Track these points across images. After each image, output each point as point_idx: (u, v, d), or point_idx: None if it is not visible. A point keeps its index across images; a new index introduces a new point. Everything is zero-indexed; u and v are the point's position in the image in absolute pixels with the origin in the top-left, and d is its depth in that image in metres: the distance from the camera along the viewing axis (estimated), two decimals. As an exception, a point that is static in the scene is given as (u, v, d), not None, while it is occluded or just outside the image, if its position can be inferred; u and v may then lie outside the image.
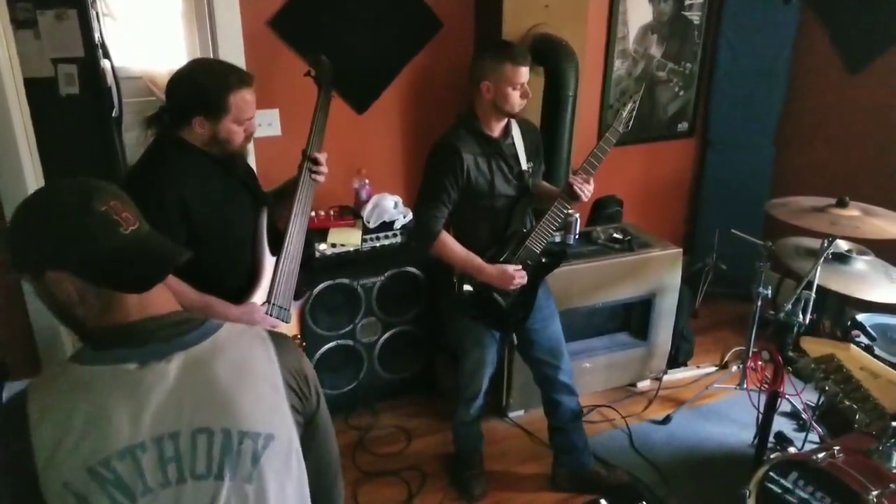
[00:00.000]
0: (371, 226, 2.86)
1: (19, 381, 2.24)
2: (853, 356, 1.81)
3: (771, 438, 2.46)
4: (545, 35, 2.87)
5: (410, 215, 2.86)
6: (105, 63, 3.95)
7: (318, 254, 2.72)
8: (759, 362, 2.20)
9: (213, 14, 2.72)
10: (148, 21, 4.92)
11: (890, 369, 1.80)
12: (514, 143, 2.26)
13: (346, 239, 2.79)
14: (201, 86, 1.73)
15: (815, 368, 1.83)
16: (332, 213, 2.91)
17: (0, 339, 2.55)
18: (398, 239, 2.87)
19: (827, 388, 1.80)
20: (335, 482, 1.19)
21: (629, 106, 2.20)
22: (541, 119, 2.84)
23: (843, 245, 2.46)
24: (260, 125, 2.46)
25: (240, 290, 1.92)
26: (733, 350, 3.49)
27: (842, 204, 2.24)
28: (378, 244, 2.84)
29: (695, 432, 2.92)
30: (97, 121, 3.92)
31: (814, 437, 2.70)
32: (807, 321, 2.27)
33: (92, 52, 3.71)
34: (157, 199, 1.68)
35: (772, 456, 1.92)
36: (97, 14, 3.93)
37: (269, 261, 1.96)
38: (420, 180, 2.26)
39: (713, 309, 3.85)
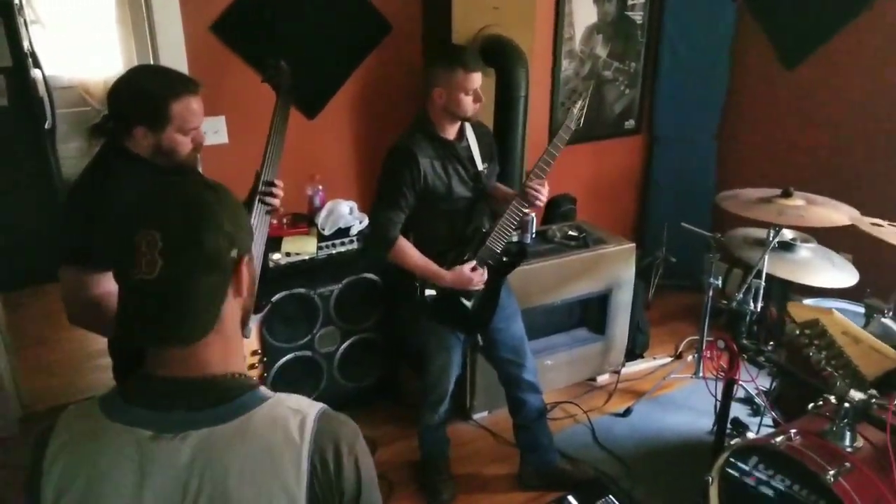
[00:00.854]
0: (326, 233, 2.82)
1: None
2: (836, 321, 1.86)
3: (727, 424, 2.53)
4: (495, 37, 2.88)
5: (366, 221, 2.83)
6: (36, 72, 3.79)
7: (272, 264, 2.66)
8: (715, 351, 2.25)
9: (151, 19, 2.63)
10: (80, 28, 4.74)
11: (870, 335, 1.87)
12: (469, 146, 2.26)
13: (300, 247, 2.74)
14: (142, 93, 1.66)
15: (801, 334, 1.88)
16: (285, 221, 2.85)
17: None
18: (355, 245, 2.83)
19: (811, 354, 1.85)
20: None
21: (579, 104, 2.22)
22: (493, 120, 2.85)
23: (787, 234, 2.55)
24: (206, 133, 2.38)
25: None
26: (687, 340, 3.58)
27: (787, 194, 2.32)
28: (334, 251, 2.79)
29: (655, 423, 2.98)
30: (29, 132, 3.76)
31: (767, 420, 2.80)
32: (758, 309, 2.35)
33: (21, 61, 3.56)
34: (101, 212, 1.60)
35: (732, 442, 1.97)
36: (25, 21, 3.76)
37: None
38: (375, 184, 2.24)
39: (665, 301, 3.94)
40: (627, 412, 3.03)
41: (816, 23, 3.39)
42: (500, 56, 2.81)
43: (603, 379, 3.29)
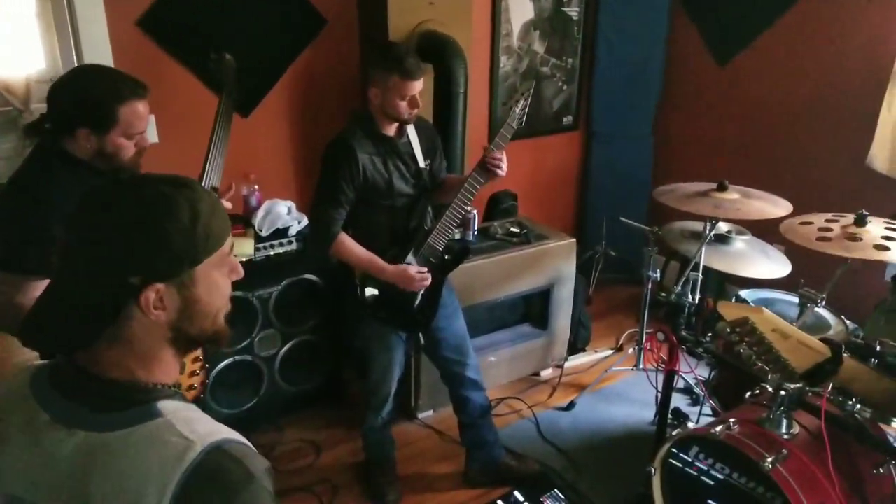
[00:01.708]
0: (264, 234, 2.73)
1: None
2: (766, 319, 1.90)
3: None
4: (432, 32, 2.85)
5: (305, 221, 2.76)
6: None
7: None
8: (656, 342, 2.29)
9: (73, 14, 2.50)
10: (-2, 24, 4.48)
11: (798, 330, 1.92)
12: (409, 142, 2.22)
13: (237, 249, 2.64)
14: (88, 95, 1.59)
15: (731, 332, 1.92)
16: (220, 222, 2.75)
17: None
18: (294, 246, 2.75)
19: (742, 350, 1.89)
20: None
21: (521, 102, 2.21)
22: (433, 116, 2.82)
23: (723, 226, 2.62)
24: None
25: None
26: (628, 332, 3.64)
27: (722, 188, 2.37)
28: (272, 252, 2.71)
29: (598, 415, 3.02)
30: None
31: (707, 410, 2.87)
32: (696, 301, 2.40)
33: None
34: (42, 221, 1.53)
35: (673, 433, 2.00)
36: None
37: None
38: (313, 183, 2.18)
39: (606, 294, 4.01)
40: (571, 406, 3.06)
41: (747, 19, 3.49)
42: (438, 52, 2.78)
43: (546, 373, 3.32)
